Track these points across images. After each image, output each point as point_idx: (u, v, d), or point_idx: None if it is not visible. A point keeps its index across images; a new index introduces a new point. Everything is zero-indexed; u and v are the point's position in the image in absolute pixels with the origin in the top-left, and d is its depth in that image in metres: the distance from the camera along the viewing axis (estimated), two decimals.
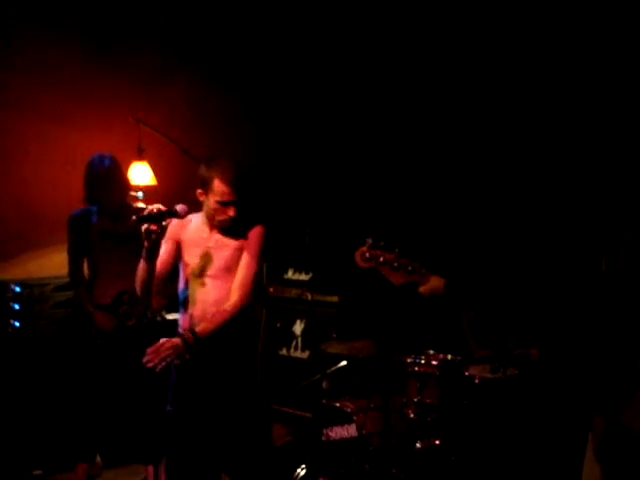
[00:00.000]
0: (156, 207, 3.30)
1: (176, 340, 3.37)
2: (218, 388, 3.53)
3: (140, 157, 5.21)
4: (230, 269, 3.55)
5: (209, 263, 3.53)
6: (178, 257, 3.61)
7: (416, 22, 5.30)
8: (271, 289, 5.75)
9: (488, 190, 4.91)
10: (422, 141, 5.36)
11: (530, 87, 4.66)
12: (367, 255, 3.01)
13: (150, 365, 3.29)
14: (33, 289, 4.80)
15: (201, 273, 3.54)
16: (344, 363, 4.29)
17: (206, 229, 3.57)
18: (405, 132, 5.49)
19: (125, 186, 4.65)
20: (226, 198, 3.44)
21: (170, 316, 5.16)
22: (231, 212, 3.47)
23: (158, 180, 5.31)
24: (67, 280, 4.92)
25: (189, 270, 3.57)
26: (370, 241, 3.01)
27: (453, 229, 4.99)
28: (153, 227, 3.23)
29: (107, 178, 4.49)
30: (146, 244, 3.26)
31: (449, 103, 5.19)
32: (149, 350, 3.31)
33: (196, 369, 3.52)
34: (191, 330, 3.41)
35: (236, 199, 3.47)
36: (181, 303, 3.61)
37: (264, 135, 6.28)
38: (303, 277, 5.60)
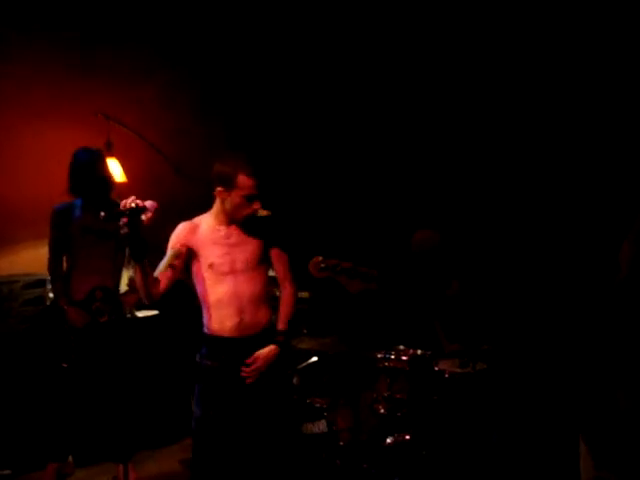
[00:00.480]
0: (130, 201, 3.27)
1: (271, 348, 3.52)
2: (253, 392, 3.53)
3: (110, 153, 5.17)
4: (259, 261, 3.57)
5: (236, 259, 3.51)
6: (188, 262, 3.55)
7: (416, 21, 5.31)
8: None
9: (488, 190, 4.92)
10: (417, 141, 5.38)
11: (530, 87, 4.68)
12: (322, 265, 3.02)
13: (250, 381, 3.47)
14: (2, 287, 4.77)
15: (230, 270, 3.50)
16: (315, 359, 4.31)
17: (222, 227, 3.54)
18: (401, 132, 5.51)
19: (110, 180, 4.60)
20: (253, 192, 3.43)
21: (140, 313, 5.16)
22: (257, 205, 3.46)
23: (128, 177, 5.28)
24: (36, 278, 4.91)
25: (216, 269, 3.51)
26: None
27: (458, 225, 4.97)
28: (124, 220, 3.21)
29: (92, 168, 4.46)
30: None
31: (448, 104, 5.20)
32: (250, 368, 3.47)
33: (228, 372, 3.52)
34: (279, 332, 3.58)
35: (258, 192, 3.46)
36: (209, 304, 3.55)
37: (236, 137, 6.27)
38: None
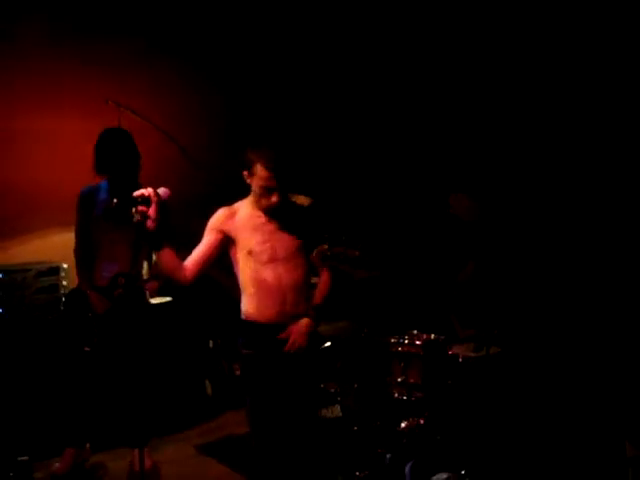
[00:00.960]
0: (147, 191, 3.26)
1: (304, 321, 3.50)
2: (292, 377, 3.53)
3: None
4: (300, 250, 3.51)
5: (277, 247, 3.46)
6: (224, 248, 3.54)
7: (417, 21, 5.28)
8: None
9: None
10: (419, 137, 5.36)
11: (530, 87, 4.64)
12: (328, 254, 2.99)
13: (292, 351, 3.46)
14: (15, 275, 4.77)
15: (271, 258, 3.47)
16: (328, 344, 4.30)
17: (261, 214, 3.50)
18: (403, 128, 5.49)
19: (135, 161, 4.48)
20: (268, 183, 3.38)
21: (154, 300, 5.16)
22: (274, 198, 3.41)
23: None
24: (49, 265, 4.91)
25: (256, 257, 3.48)
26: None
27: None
28: (141, 209, 3.21)
29: (117, 148, 4.39)
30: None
31: (449, 102, 5.16)
32: (289, 342, 3.46)
33: (265, 360, 3.52)
34: (313, 307, 3.53)
35: (278, 185, 3.39)
36: (249, 291, 3.54)
37: (242, 124, 6.25)
38: None
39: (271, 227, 3.48)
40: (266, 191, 3.40)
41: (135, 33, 5.58)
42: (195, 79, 5.99)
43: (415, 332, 4.25)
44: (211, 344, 5.65)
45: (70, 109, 5.21)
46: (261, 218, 3.49)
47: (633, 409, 2.65)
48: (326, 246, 2.99)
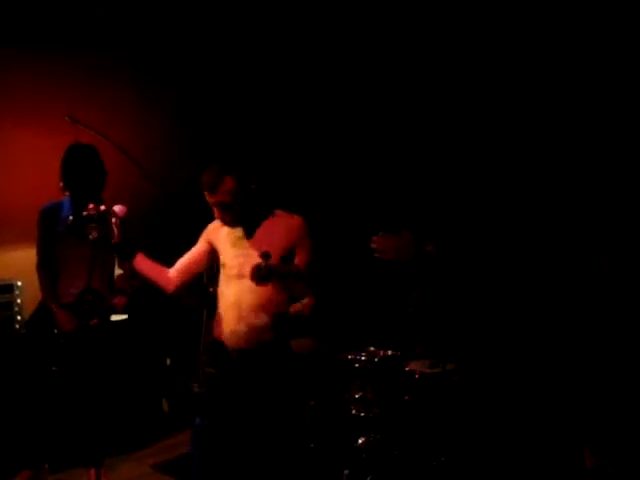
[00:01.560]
0: (93, 207, 3.26)
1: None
2: (255, 402, 3.42)
3: None
4: None
5: (246, 263, 3.30)
6: (212, 258, 3.53)
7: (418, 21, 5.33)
8: (211, 289, 5.72)
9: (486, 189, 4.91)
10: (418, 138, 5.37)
11: (530, 87, 4.70)
12: (263, 271, 2.96)
13: None
14: None
15: (238, 274, 3.40)
16: None
17: (240, 229, 3.45)
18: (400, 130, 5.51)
19: (101, 178, 4.42)
20: (209, 200, 3.34)
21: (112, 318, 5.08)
22: (226, 217, 3.37)
23: None
24: (2, 283, 4.84)
25: (226, 271, 3.45)
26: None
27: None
28: (95, 226, 3.21)
29: (83, 163, 4.34)
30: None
31: (449, 101, 5.20)
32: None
33: (230, 381, 3.45)
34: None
35: (217, 201, 3.32)
36: (217, 305, 3.52)
37: (206, 140, 6.27)
38: None
39: (247, 243, 3.42)
40: (218, 211, 3.37)
41: (94, 47, 5.57)
42: (155, 94, 6.00)
43: (372, 348, 4.30)
44: (168, 362, 5.62)
45: (26, 123, 5.17)
46: (238, 233, 3.45)
47: (593, 416, 2.70)
48: (263, 264, 2.97)
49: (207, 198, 3.34)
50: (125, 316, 5.23)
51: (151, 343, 5.56)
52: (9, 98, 5.23)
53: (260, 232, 3.43)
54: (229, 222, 3.41)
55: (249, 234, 3.44)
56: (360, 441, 4.00)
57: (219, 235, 3.52)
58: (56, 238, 4.37)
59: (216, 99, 6.18)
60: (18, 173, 5.09)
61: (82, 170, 4.33)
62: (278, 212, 3.49)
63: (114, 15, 5.60)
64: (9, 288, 4.86)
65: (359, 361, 4.16)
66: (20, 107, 5.26)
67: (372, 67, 5.63)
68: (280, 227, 3.43)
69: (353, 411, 4.10)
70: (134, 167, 5.01)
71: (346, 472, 3.91)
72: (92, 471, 4.54)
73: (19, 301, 4.85)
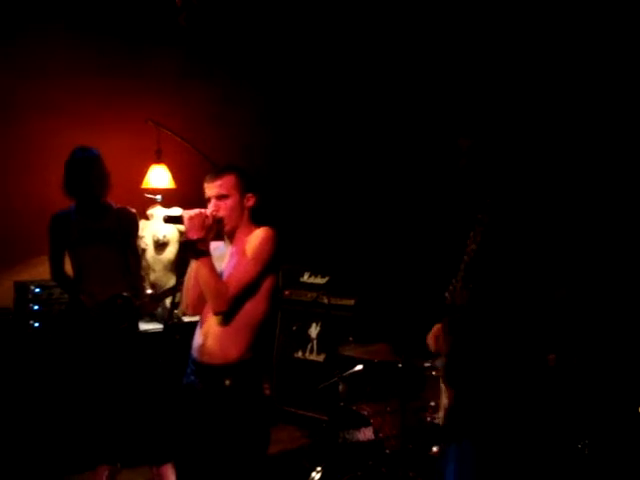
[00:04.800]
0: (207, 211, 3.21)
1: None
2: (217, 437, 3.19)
3: (159, 160, 5.26)
4: (248, 289, 3.14)
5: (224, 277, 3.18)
6: None
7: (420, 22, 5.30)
8: (287, 292, 5.78)
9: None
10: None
11: (529, 87, 4.63)
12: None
13: None
14: (52, 290, 4.81)
15: None
16: (360, 367, 4.30)
17: (229, 243, 3.31)
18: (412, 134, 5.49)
19: (104, 183, 4.34)
20: (206, 193, 3.23)
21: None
22: (209, 208, 3.22)
23: (176, 183, 5.35)
24: None
25: None
26: None
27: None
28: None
29: (85, 168, 4.26)
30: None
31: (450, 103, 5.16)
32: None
33: (193, 395, 3.26)
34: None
35: (214, 193, 3.20)
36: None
37: (281, 139, 6.32)
38: (319, 280, 5.64)
39: (230, 259, 3.25)
40: (213, 204, 3.24)
41: (175, 50, 5.70)
42: (239, 101, 6.10)
43: None
44: None
45: (111, 128, 5.29)
46: (228, 248, 3.30)
47: None
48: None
49: (205, 192, 3.23)
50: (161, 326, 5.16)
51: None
52: (93, 103, 5.38)
53: (233, 250, 3.26)
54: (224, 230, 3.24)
55: (232, 250, 3.27)
56: (434, 449, 3.97)
57: (215, 250, 3.30)
58: (72, 245, 4.34)
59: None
60: None
61: (81, 176, 4.27)
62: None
63: (195, 20, 5.71)
64: None
65: (435, 368, 4.12)
66: (103, 112, 5.41)
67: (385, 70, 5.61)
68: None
69: (428, 419, 4.06)
70: (213, 168, 5.08)
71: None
72: (157, 469, 4.61)
73: None
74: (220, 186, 3.21)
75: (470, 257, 2.86)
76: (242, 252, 3.16)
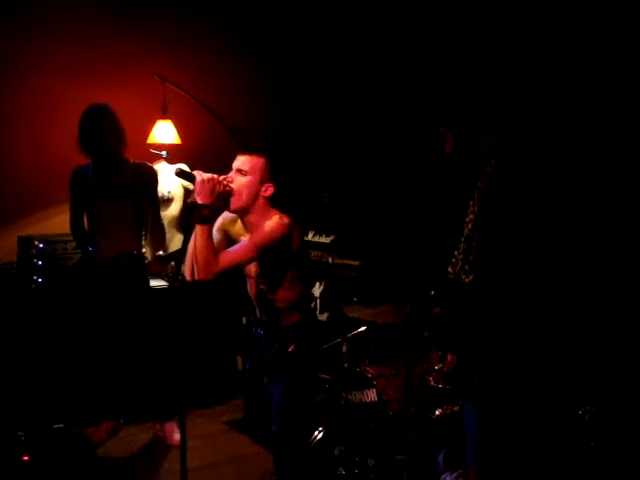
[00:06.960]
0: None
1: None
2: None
3: (164, 116, 5.19)
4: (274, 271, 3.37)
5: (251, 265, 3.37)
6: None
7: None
8: None
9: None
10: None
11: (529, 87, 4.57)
12: None
13: None
14: (56, 245, 4.79)
15: (249, 273, 3.46)
16: (363, 328, 4.29)
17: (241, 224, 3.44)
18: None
19: (117, 137, 4.36)
20: (235, 165, 3.32)
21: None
22: (230, 178, 3.27)
23: (182, 139, 5.29)
24: None
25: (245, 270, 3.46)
26: None
27: None
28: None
29: (95, 120, 4.28)
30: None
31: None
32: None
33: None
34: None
35: (239, 167, 3.29)
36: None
37: (287, 102, 6.24)
38: (324, 240, 5.60)
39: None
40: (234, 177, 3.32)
41: (187, 11, 5.63)
42: (246, 57, 6.02)
43: None
44: (244, 320, 5.67)
45: (116, 83, 5.22)
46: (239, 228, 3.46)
47: None
48: None
49: (234, 163, 3.30)
50: None
51: (227, 302, 5.61)
52: (97, 58, 5.33)
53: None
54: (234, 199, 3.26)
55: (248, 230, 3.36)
56: (437, 413, 3.97)
57: (235, 227, 3.44)
58: (87, 200, 4.40)
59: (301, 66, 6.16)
60: None
61: (91, 128, 4.28)
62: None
63: None
64: None
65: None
66: (107, 66, 5.35)
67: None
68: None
69: (431, 382, 4.05)
70: (219, 125, 5.02)
71: (421, 443, 3.89)
72: (164, 425, 4.65)
73: None
74: (245, 162, 3.27)
75: (469, 228, 2.84)
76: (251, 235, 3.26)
